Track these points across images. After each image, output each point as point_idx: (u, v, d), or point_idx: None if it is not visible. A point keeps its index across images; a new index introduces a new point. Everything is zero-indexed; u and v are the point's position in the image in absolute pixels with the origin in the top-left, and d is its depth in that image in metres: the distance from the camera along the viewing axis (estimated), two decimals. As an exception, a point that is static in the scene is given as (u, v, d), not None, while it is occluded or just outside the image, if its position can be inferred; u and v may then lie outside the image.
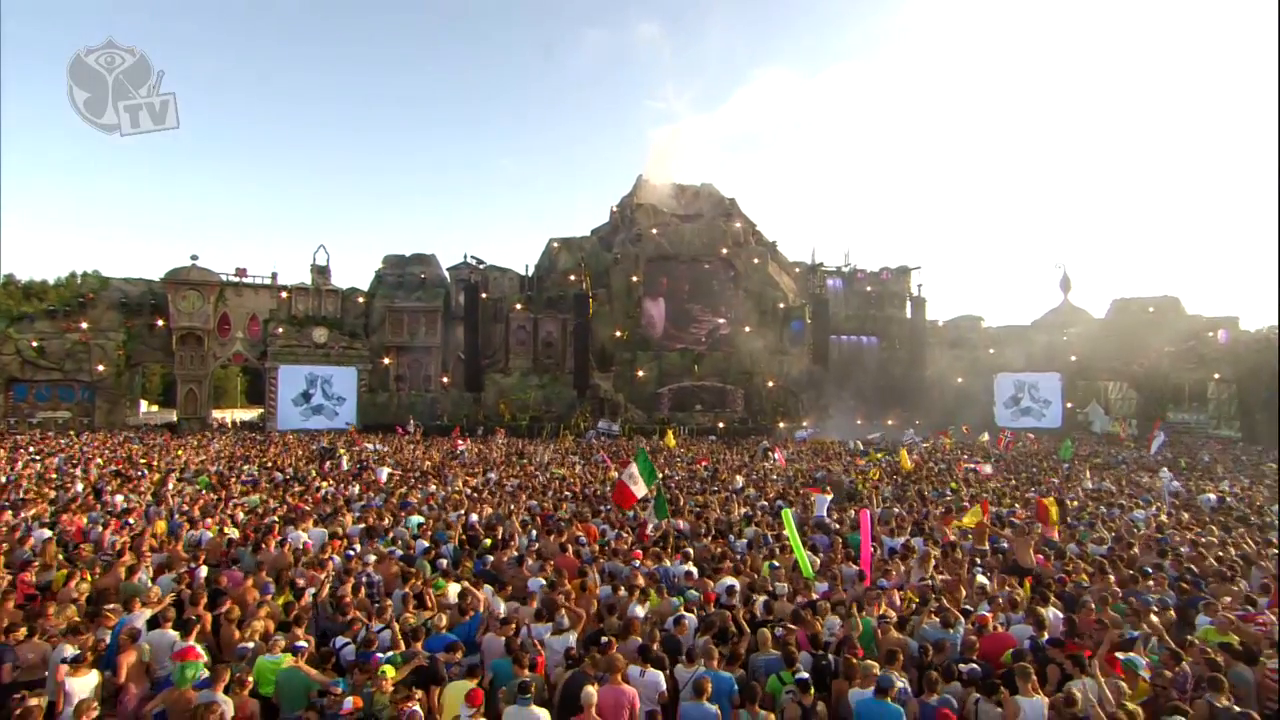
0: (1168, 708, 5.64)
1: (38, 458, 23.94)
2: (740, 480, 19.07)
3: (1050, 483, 19.81)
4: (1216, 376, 44.81)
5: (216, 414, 52.25)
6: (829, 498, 14.10)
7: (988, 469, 19.98)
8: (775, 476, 20.95)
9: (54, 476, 18.99)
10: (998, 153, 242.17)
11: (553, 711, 5.81)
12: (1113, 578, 9.18)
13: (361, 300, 49.69)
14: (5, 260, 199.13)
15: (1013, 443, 33.96)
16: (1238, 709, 5.43)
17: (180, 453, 27.16)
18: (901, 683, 6.10)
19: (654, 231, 50.67)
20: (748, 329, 49.53)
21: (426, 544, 11.43)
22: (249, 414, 60.18)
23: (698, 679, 5.94)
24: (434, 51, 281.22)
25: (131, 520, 12.82)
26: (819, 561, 10.12)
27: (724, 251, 50.58)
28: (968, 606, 8.26)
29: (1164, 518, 14.51)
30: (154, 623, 7.26)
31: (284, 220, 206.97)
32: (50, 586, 8.80)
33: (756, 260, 51.30)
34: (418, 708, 5.44)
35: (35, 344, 41.26)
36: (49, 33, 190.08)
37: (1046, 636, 7.14)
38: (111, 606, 7.91)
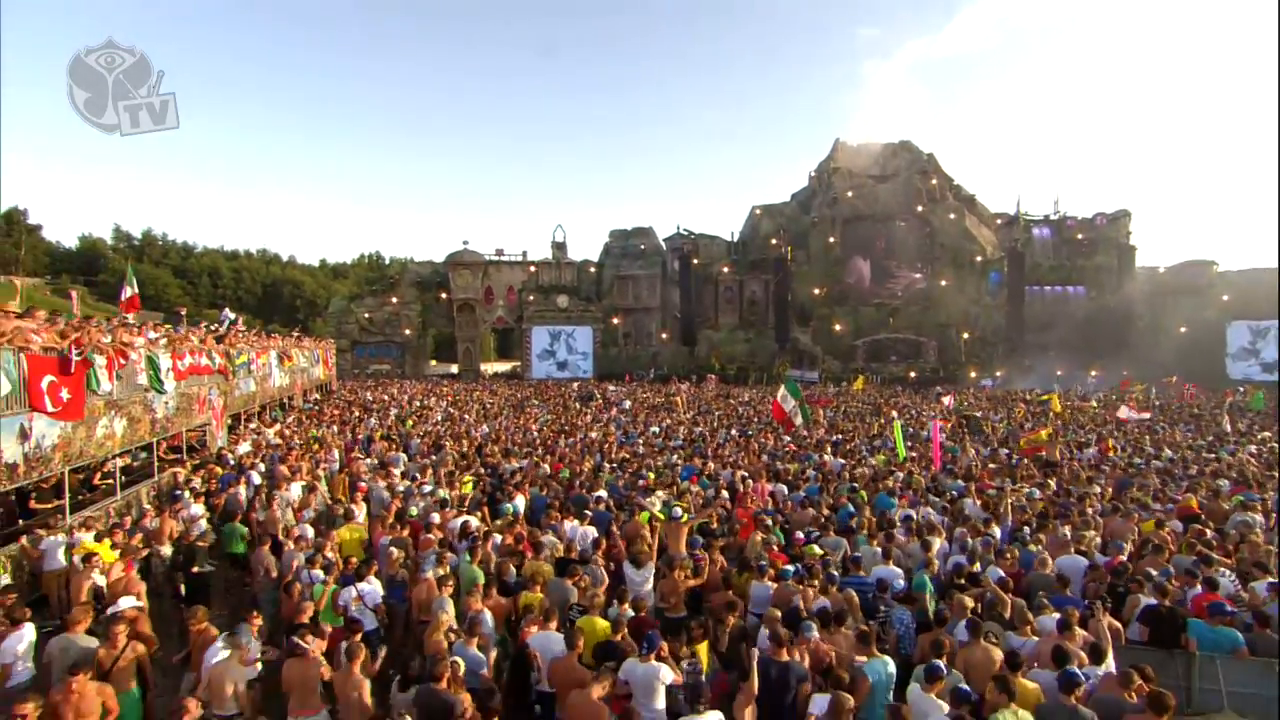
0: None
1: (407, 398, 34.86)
2: (895, 414, 24.17)
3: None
4: None
5: (483, 366, 64.97)
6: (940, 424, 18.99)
7: (1125, 414, 22.87)
8: (932, 414, 25.46)
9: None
10: (1245, 71, 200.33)
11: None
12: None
13: (593, 270, 58.86)
14: (316, 247, 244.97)
15: (1193, 394, 34.41)
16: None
17: (478, 394, 37.18)
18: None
19: (849, 195, 54.01)
20: (944, 282, 51.61)
21: (662, 443, 18.44)
22: (502, 366, 72.97)
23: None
24: (635, 19, 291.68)
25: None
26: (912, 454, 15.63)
27: (919, 209, 52.68)
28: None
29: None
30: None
31: (529, 200, 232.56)
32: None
33: (953, 215, 52.77)
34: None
35: (367, 315, 55.44)
36: (317, 33, 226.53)
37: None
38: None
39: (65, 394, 9.22)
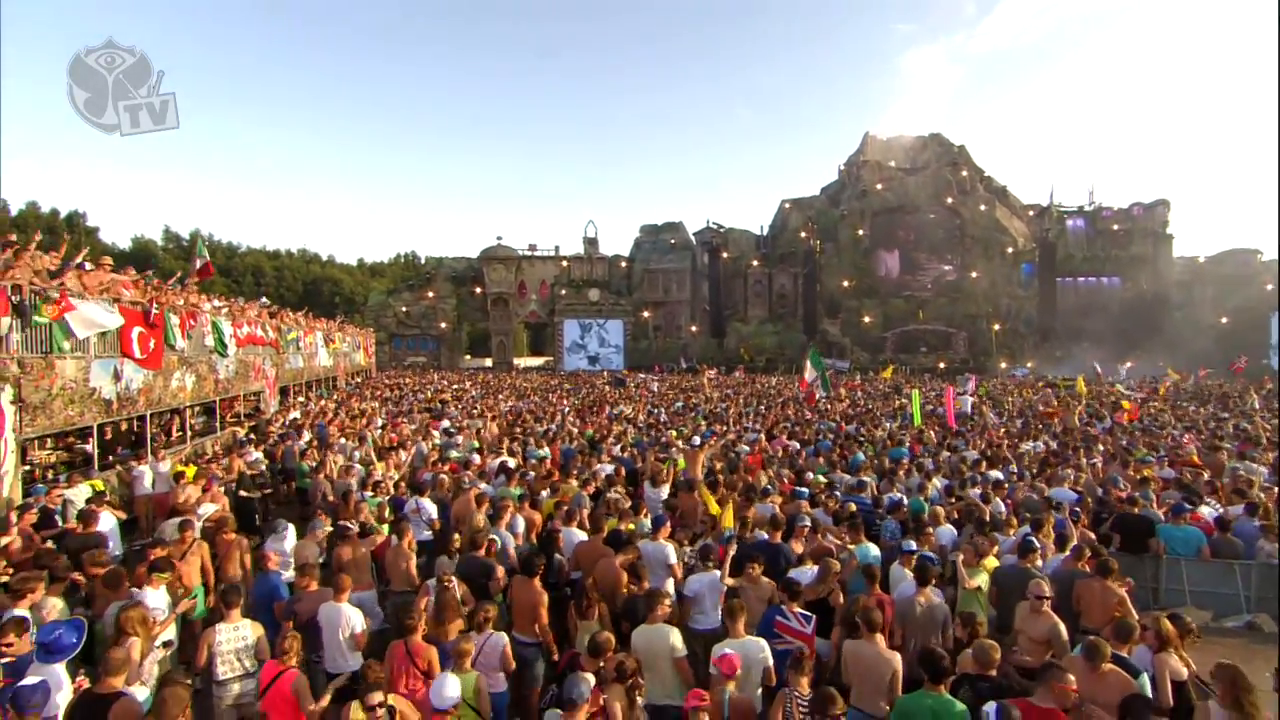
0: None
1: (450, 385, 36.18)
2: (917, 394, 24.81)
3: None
4: None
5: (516, 360, 66.26)
6: (964, 394, 19.45)
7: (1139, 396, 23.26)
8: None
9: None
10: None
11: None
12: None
13: (624, 264, 59.78)
14: (354, 247, 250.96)
15: (1240, 368, 34.33)
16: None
17: (516, 380, 38.38)
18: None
19: (878, 187, 54.14)
20: (974, 274, 51.46)
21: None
22: (535, 360, 74.20)
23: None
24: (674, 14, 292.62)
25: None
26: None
27: (949, 200, 52.60)
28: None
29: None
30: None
31: (561, 197, 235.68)
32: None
33: (983, 207, 52.58)
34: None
35: (404, 309, 57.11)
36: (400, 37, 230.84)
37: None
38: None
39: (151, 344, 10.36)
